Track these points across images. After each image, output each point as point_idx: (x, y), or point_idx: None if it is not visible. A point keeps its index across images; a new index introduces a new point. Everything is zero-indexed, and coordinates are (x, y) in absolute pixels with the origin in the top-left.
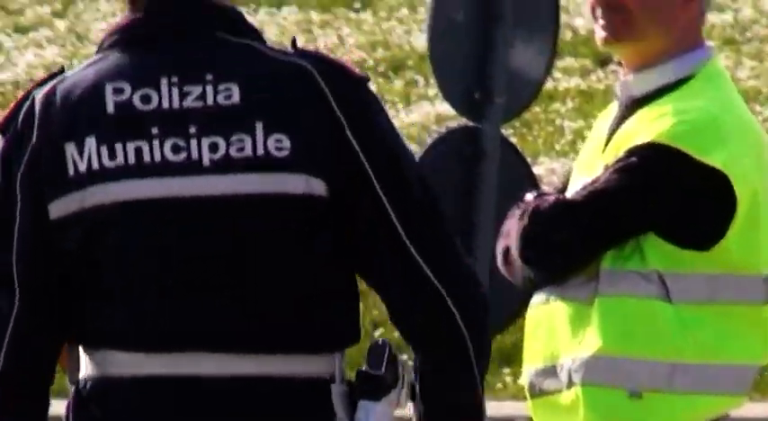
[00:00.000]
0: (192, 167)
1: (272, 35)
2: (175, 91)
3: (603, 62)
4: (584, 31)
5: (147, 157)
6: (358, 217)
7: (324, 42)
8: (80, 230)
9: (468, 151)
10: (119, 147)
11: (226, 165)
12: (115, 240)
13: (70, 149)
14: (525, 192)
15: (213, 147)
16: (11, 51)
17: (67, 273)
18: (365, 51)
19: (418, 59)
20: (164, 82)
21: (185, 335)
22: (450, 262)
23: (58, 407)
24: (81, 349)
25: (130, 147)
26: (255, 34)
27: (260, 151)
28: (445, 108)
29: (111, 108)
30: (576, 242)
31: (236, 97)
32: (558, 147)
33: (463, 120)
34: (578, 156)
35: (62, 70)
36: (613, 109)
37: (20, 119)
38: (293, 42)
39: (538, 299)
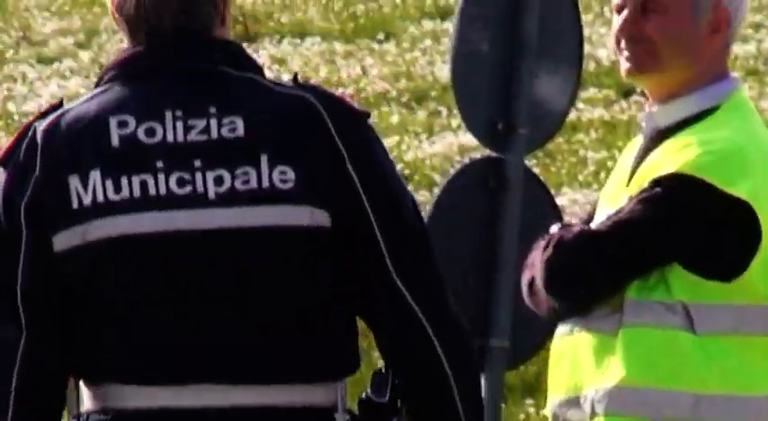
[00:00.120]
0: (197, 200)
1: (295, 66)
2: (180, 124)
3: (627, 93)
4: (608, 62)
5: (152, 191)
6: (352, 249)
7: (347, 73)
8: (84, 263)
9: (492, 182)
10: (124, 180)
11: (231, 198)
12: (119, 273)
13: (74, 182)
14: (548, 223)
15: (218, 181)
16: (34, 82)
17: (71, 306)
18: (388, 82)
19: (441, 90)
20: (168, 115)
21: (189, 367)
22: (440, 303)
23: None
24: (82, 383)
25: (136, 180)
26: (256, 68)
27: (265, 184)
28: (468, 139)
29: (115, 141)
30: (600, 272)
31: (240, 130)
32: (581, 177)
33: (486, 151)
34: (603, 187)
35: (61, 103)
36: (638, 141)
37: (22, 151)
38: (294, 77)
39: (562, 329)
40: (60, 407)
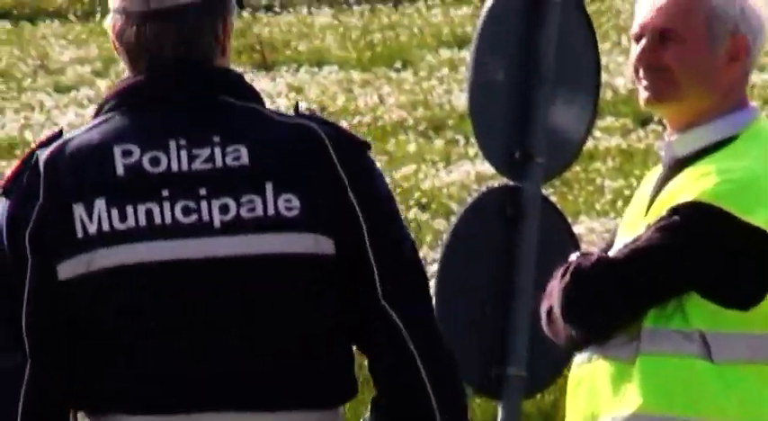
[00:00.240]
0: (203, 229)
1: (312, 94)
2: (184, 153)
3: (644, 122)
4: (625, 91)
5: (158, 220)
6: (351, 278)
7: (364, 101)
8: (89, 292)
9: (509, 210)
10: (129, 209)
11: (237, 227)
12: (124, 302)
13: (79, 211)
14: (566, 252)
15: (224, 209)
16: (52, 110)
17: (76, 334)
18: (405, 110)
19: (458, 119)
20: (172, 144)
21: (194, 395)
22: (433, 338)
23: None
24: (84, 414)
25: (141, 209)
26: (256, 97)
27: (270, 211)
28: (485, 167)
29: (120, 170)
30: (617, 301)
31: (244, 159)
32: (598, 206)
33: (503, 180)
34: (620, 216)
35: (61, 132)
36: (658, 170)
37: (24, 179)
38: (296, 106)
39: (580, 358)
40: None
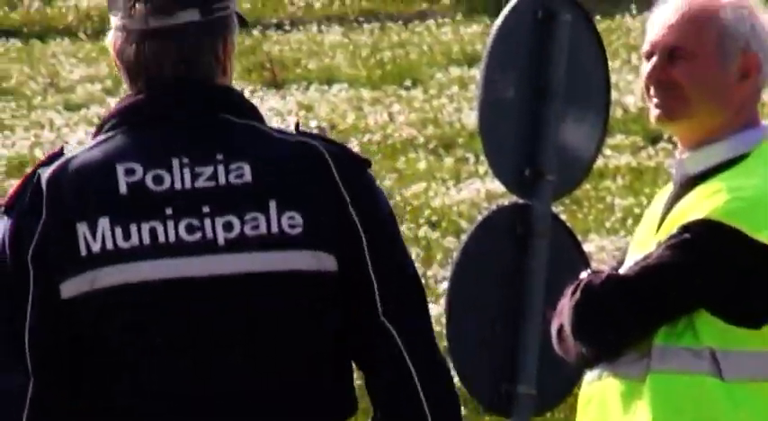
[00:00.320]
0: (207, 247)
1: (322, 112)
2: (187, 171)
3: (654, 140)
4: (635, 109)
5: (161, 238)
6: (352, 295)
7: (374, 119)
8: (93, 310)
9: (519, 228)
10: (133, 227)
11: (241, 244)
12: (129, 320)
13: (82, 229)
14: (576, 270)
15: (227, 227)
16: (62, 128)
17: (80, 352)
18: (415, 128)
19: (468, 137)
20: (175, 163)
21: (199, 413)
22: (432, 353)
23: None
24: None
25: (145, 227)
26: (256, 115)
27: (274, 229)
28: (495, 185)
29: (123, 189)
30: (628, 318)
31: (247, 176)
32: (608, 224)
33: (513, 198)
34: (630, 234)
35: (62, 151)
36: (669, 188)
37: (27, 197)
38: (296, 125)
39: (590, 376)
40: None
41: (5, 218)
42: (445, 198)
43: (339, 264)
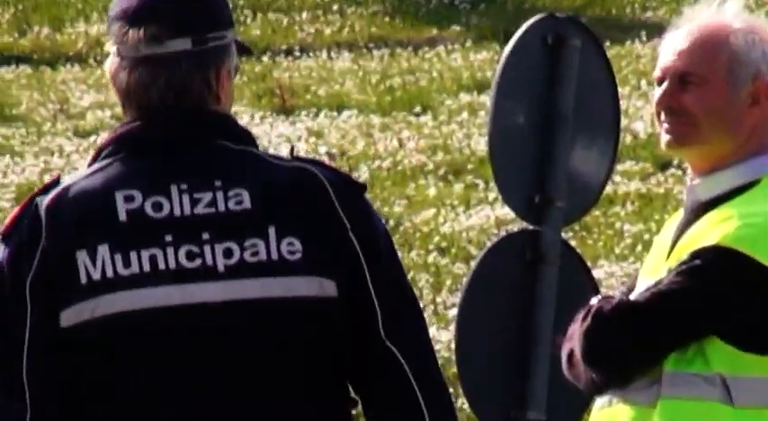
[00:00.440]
0: (207, 273)
1: (332, 139)
2: (186, 198)
3: (664, 166)
4: (645, 135)
5: (162, 265)
6: (354, 318)
7: (384, 146)
8: (93, 338)
9: (529, 255)
10: (133, 255)
11: (240, 271)
12: (129, 348)
13: (82, 257)
14: (585, 296)
15: (227, 253)
16: (71, 155)
17: (78, 380)
18: (425, 155)
19: (478, 163)
20: (173, 189)
21: None
22: (434, 374)
23: None
24: None
25: (145, 255)
26: (252, 140)
27: (274, 255)
28: (505, 212)
29: (123, 216)
30: (638, 344)
31: (246, 203)
32: (617, 250)
33: (523, 224)
34: (640, 260)
35: (59, 179)
36: (680, 214)
37: (24, 225)
38: (291, 150)
39: (600, 402)
40: None
41: (2, 246)
42: (455, 224)
43: (339, 290)
